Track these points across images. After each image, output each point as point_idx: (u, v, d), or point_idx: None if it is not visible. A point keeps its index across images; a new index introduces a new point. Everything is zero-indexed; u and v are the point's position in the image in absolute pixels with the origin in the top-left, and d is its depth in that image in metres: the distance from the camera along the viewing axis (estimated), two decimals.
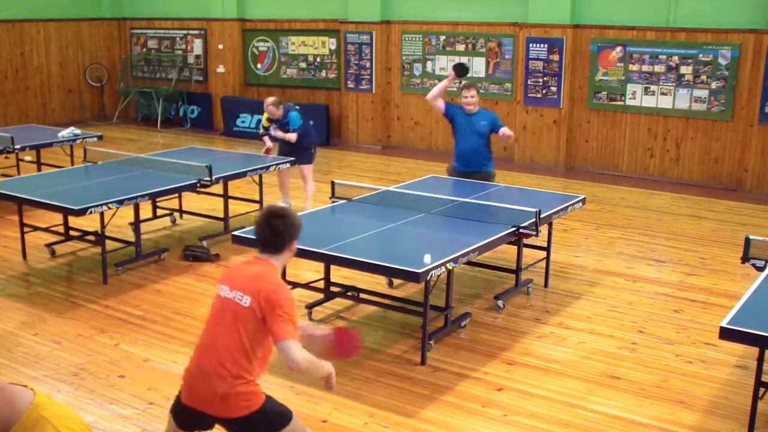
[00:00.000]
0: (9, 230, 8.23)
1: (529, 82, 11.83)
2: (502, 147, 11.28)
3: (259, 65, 14.85)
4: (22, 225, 7.51)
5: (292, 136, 8.70)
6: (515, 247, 6.61)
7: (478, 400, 4.94)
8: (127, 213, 7.67)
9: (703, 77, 10.66)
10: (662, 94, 11.00)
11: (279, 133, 8.73)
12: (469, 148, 7.53)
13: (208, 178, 7.42)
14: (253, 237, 3.67)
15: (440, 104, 7.70)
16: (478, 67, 12.41)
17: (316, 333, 3.79)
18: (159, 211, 8.65)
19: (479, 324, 6.09)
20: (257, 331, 3.36)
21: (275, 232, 3.51)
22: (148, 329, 5.96)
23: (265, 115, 8.99)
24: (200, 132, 15.07)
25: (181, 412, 3.54)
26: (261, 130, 9.20)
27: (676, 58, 10.81)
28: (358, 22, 13.25)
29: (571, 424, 4.67)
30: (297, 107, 8.98)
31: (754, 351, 4.46)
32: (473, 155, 7.54)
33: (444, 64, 12.72)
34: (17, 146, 9.16)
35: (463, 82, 8.08)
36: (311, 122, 9.44)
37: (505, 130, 7.38)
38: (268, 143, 9.01)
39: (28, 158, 10.21)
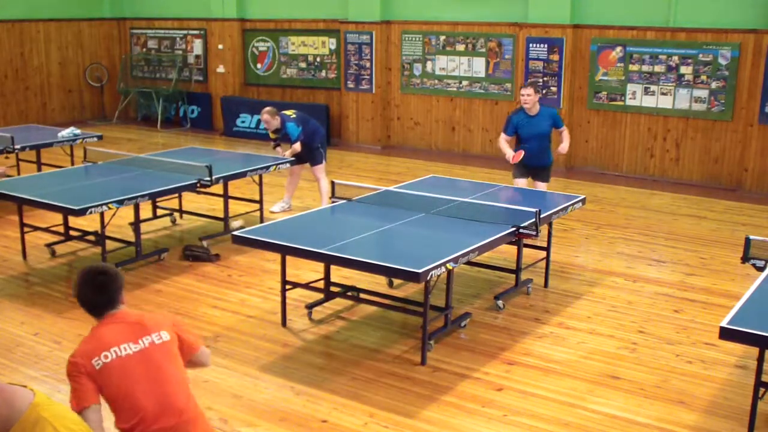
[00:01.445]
0: (9, 230, 8.23)
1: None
2: None
3: (259, 65, 14.84)
4: (22, 225, 7.51)
5: (297, 148, 8.79)
6: (515, 247, 6.61)
7: (478, 400, 4.94)
8: (127, 213, 7.67)
9: (703, 77, 10.66)
10: (662, 94, 11.00)
11: (287, 154, 8.80)
12: (535, 149, 7.89)
13: (208, 178, 7.42)
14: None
15: (508, 138, 7.99)
16: (478, 67, 12.41)
17: None
18: (159, 211, 8.64)
19: (479, 324, 6.09)
20: (180, 356, 3.33)
21: (105, 289, 3.22)
22: None
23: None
24: (200, 132, 15.07)
25: None
26: (273, 144, 9.25)
27: (676, 58, 10.81)
28: (358, 22, 13.24)
29: (571, 424, 4.67)
30: (293, 115, 8.93)
31: (754, 351, 4.46)
32: (538, 153, 7.93)
33: (444, 64, 12.72)
34: (17, 146, 9.16)
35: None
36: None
37: (562, 147, 7.97)
38: (280, 152, 9.03)
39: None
